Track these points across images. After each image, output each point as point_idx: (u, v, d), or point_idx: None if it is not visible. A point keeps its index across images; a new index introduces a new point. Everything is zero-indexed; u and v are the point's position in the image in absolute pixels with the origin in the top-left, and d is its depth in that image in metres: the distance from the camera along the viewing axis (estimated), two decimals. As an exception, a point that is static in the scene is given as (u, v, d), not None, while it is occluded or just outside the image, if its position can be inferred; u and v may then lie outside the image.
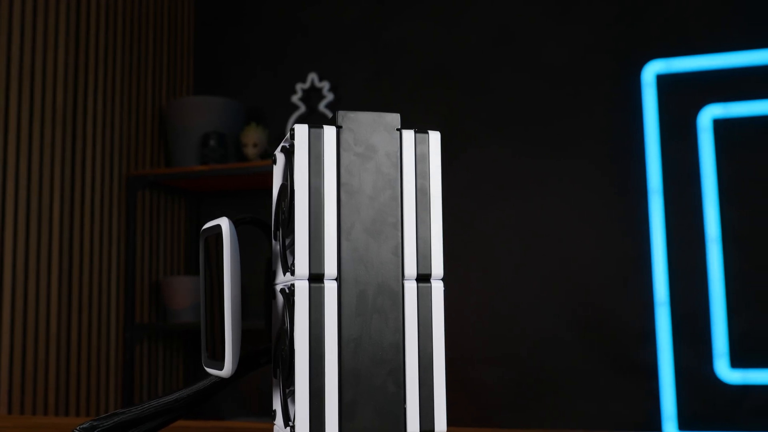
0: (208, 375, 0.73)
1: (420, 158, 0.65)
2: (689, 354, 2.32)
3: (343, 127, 0.64)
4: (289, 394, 0.67)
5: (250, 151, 2.57)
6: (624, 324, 2.39)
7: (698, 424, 2.30)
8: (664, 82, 2.42)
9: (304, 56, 2.78)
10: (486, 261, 2.52)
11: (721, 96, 2.37)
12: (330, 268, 0.62)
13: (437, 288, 0.64)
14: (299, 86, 2.73)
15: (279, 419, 0.69)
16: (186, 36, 2.89)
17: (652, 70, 2.43)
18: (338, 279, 0.62)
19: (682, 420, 2.30)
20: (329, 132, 0.64)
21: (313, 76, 2.72)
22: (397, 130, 0.65)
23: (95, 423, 0.70)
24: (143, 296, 2.57)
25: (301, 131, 0.63)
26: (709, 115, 2.37)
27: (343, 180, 0.63)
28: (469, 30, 2.63)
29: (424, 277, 0.64)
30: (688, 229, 2.36)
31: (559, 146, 2.51)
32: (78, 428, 0.66)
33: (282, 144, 0.70)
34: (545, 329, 2.45)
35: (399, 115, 0.66)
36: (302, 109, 2.71)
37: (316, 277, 0.62)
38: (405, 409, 0.62)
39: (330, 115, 2.69)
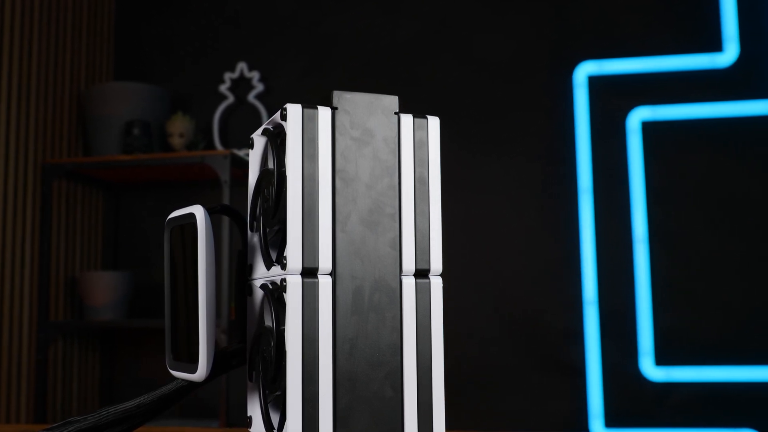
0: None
1: (419, 145, 0.61)
2: (616, 352, 2.36)
3: (339, 108, 0.59)
4: (271, 399, 0.61)
5: (176, 141, 2.47)
6: (552, 322, 2.41)
7: (624, 421, 2.34)
8: (595, 83, 2.45)
9: (233, 44, 2.69)
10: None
11: (650, 99, 2.42)
12: (324, 261, 0.57)
13: (436, 284, 0.60)
14: (228, 75, 2.64)
15: (257, 426, 0.63)
16: (107, 17, 2.75)
17: (584, 71, 2.45)
18: (333, 274, 0.57)
19: (609, 417, 2.34)
20: (324, 113, 0.58)
21: (242, 66, 2.64)
22: (395, 113, 0.61)
23: (48, 433, 0.62)
24: (58, 292, 2.43)
25: (295, 111, 0.58)
26: (638, 117, 2.42)
27: (338, 166, 0.58)
28: (404, 21, 2.60)
29: (422, 273, 0.60)
30: (616, 228, 2.40)
31: (490, 143, 2.50)
32: (30, 440, 0.59)
33: (264, 126, 0.64)
34: (473, 327, 2.45)
35: (397, 97, 0.61)
36: (231, 99, 2.62)
37: (309, 272, 0.57)
38: (403, 416, 0.58)
39: (259, 106, 2.61)
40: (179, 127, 2.47)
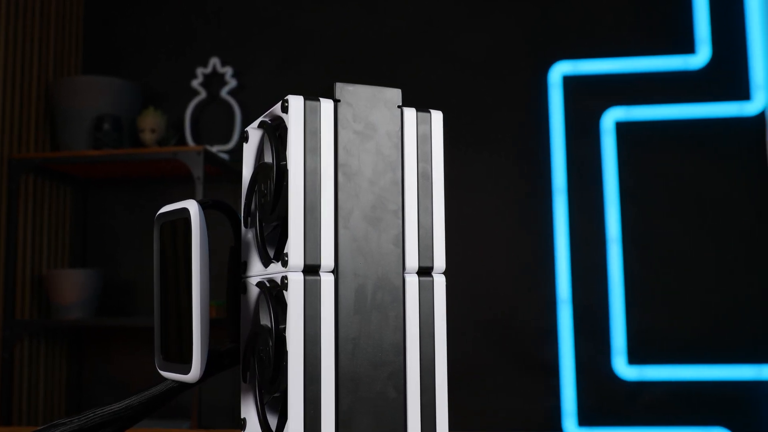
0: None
1: (422, 139, 0.59)
2: (589, 351, 2.37)
3: (342, 101, 0.57)
4: (268, 400, 0.60)
5: (147, 136, 2.42)
6: (526, 321, 2.41)
7: (597, 420, 2.35)
8: (570, 83, 2.46)
9: (206, 39, 2.65)
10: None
11: (624, 99, 2.43)
12: (327, 259, 0.55)
13: (439, 283, 0.59)
14: (200, 71, 2.59)
15: (252, 428, 0.61)
16: (76, 8, 2.69)
17: (558, 71, 2.46)
18: (335, 271, 0.56)
19: (582, 416, 2.35)
20: (326, 106, 0.57)
21: (215, 61, 2.59)
22: (398, 107, 0.59)
23: (33, 437, 0.60)
24: (24, 290, 2.37)
25: (296, 103, 0.56)
26: (612, 117, 2.43)
27: (341, 160, 0.56)
28: (382, 18, 2.58)
29: (425, 270, 0.58)
30: (590, 228, 2.41)
31: (468, 141, 2.50)
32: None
33: (261, 119, 0.62)
34: (448, 325, 2.44)
35: (400, 90, 0.60)
36: (203, 94, 2.58)
37: (311, 269, 0.55)
38: (406, 417, 0.56)
39: (232, 102, 2.57)
40: (150, 122, 2.42)
